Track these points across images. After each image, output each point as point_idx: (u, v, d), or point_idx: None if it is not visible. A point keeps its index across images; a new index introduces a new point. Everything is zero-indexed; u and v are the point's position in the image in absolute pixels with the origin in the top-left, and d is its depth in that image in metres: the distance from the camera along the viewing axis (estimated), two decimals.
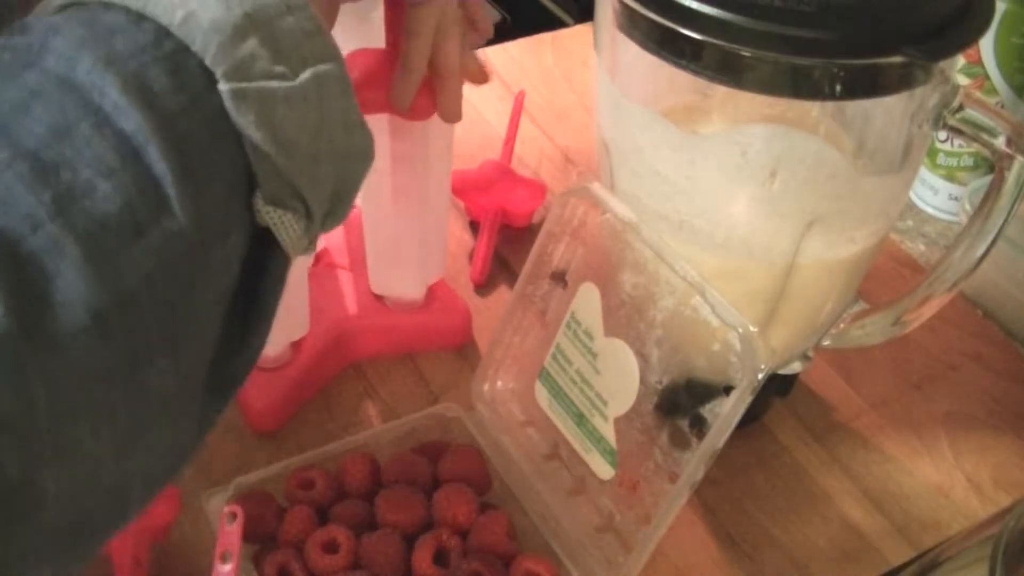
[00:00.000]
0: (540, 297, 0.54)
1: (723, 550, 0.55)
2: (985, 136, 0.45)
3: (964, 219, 0.72)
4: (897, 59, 0.42)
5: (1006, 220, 0.47)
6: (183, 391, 0.31)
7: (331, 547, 0.49)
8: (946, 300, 0.50)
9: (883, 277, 0.70)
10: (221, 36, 0.29)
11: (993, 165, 0.46)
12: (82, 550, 0.30)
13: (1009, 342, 0.68)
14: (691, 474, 0.46)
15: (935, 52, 0.42)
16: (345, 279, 0.65)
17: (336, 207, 0.35)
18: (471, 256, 0.70)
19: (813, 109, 0.47)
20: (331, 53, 0.32)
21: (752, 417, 0.61)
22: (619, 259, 0.50)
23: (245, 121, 0.30)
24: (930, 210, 0.79)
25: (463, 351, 0.64)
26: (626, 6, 0.45)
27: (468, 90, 0.55)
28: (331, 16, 0.46)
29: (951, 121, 0.45)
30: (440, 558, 0.50)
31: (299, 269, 0.57)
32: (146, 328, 0.28)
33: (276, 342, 0.59)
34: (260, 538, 0.51)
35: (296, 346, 0.60)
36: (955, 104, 0.45)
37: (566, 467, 0.53)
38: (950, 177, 0.77)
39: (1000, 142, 0.45)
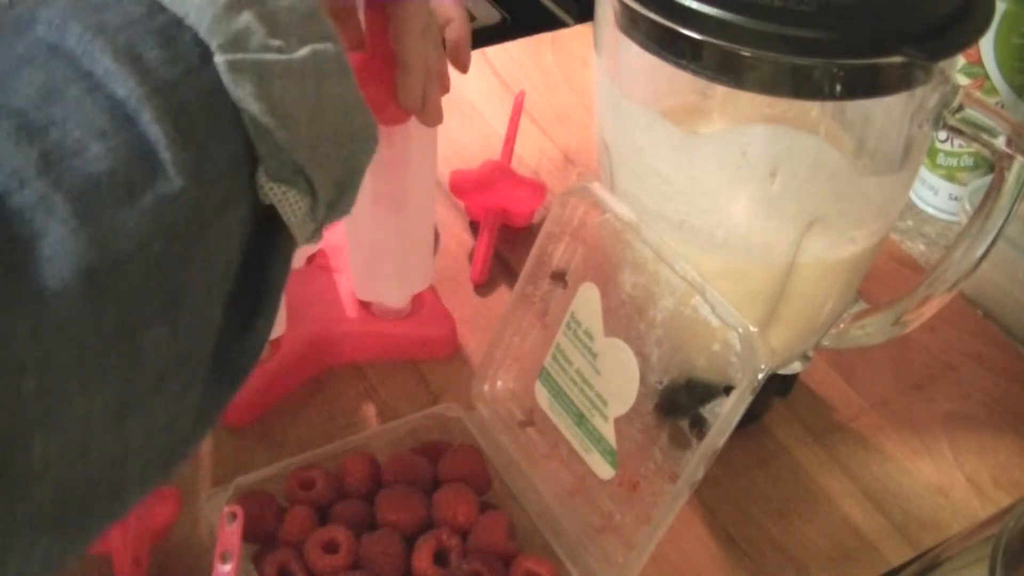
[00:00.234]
0: (540, 297, 0.54)
1: (723, 550, 0.55)
2: (985, 136, 0.45)
3: (964, 219, 0.72)
4: (897, 59, 0.42)
5: (1006, 220, 0.47)
6: (182, 366, 0.30)
7: (331, 547, 0.49)
8: (946, 300, 0.50)
9: (883, 277, 0.70)
10: (215, 9, 0.29)
11: (993, 165, 0.46)
12: (77, 531, 0.29)
13: (1009, 342, 0.68)
14: (691, 474, 0.46)
15: (935, 52, 0.42)
16: (337, 282, 0.65)
17: (342, 193, 0.34)
18: (471, 256, 0.70)
19: (813, 109, 0.47)
20: (329, 34, 0.32)
21: (752, 417, 0.61)
22: (619, 259, 0.50)
23: (242, 93, 0.29)
24: (930, 210, 0.79)
25: (462, 352, 0.64)
26: (626, 6, 0.45)
27: (468, 90, 0.55)
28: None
29: (951, 121, 0.46)
30: (440, 558, 0.50)
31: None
32: (140, 292, 0.27)
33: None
34: (260, 538, 0.51)
35: (274, 345, 0.60)
36: (955, 104, 0.45)
37: (566, 467, 0.53)
38: (950, 177, 0.77)
39: (1000, 142, 0.45)
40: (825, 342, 0.56)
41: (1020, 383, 0.65)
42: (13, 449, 0.25)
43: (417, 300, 0.64)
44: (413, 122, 0.54)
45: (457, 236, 0.72)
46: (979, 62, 0.72)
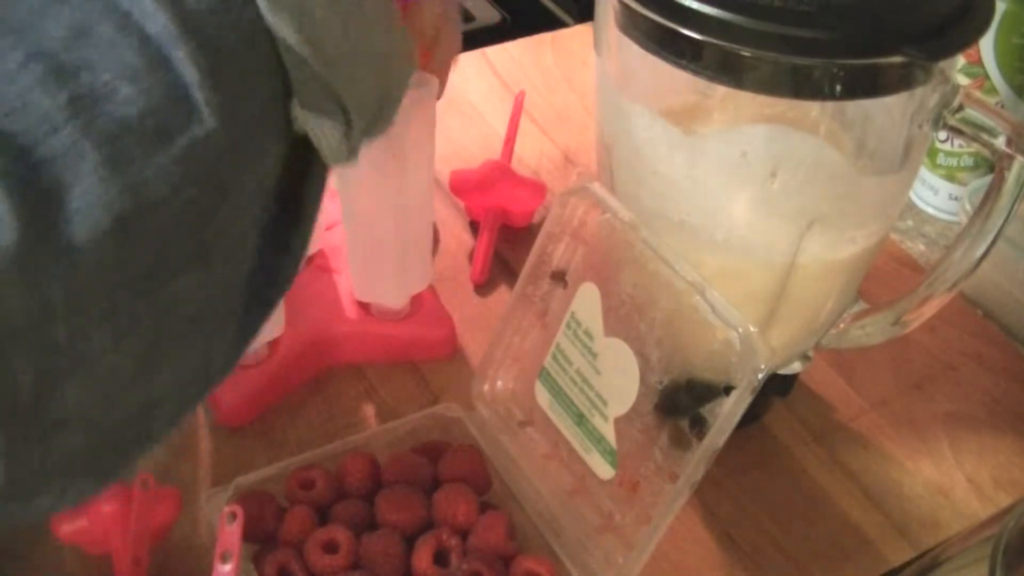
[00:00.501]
0: (540, 297, 0.54)
1: (723, 550, 0.55)
2: (985, 136, 0.45)
3: (964, 219, 0.72)
4: (897, 59, 0.42)
5: (1006, 220, 0.47)
6: (218, 307, 0.29)
7: (331, 547, 0.49)
8: (946, 300, 0.50)
9: (883, 277, 0.70)
10: None
11: (993, 165, 0.46)
12: (108, 471, 0.29)
13: (1009, 342, 0.68)
14: (691, 474, 0.46)
15: (935, 52, 0.42)
16: (337, 283, 0.65)
17: (379, 115, 0.33)
18: (471, 256, 0.70)
19: (813, 109, 0.47)
20: None
21: (752, 417, 0.61)
22: (619, 259, 0.50)
23: (279, 21, 0.28)
24: (930, 210, 0.79)
25: (462, 352, 0.64)
26: (626, 6, 0.45)
27: (468, 90, 0.55)
28: None
29: (951, 121, 0.45)
30: (440, 558, 0.50)
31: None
32: (174, 238, 0.27)
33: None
34: (260, 538, 0.51)
35: (272, 345, 0.60)
36: (955, 104, 0.45)
37: (566, 467, 0.53)
38: (950, 177, 0.77)
39: (1000, 142, 0.45)
40: (825, 342, 0.56)
41: (1020, 383, 0.65)
42: (46, 396, 0.25)
43: (416, 301, 0.63)
44: (412, 121, 0.54)
45: (457, 236, 0.72)
46: (979, 62, 0.72)
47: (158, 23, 0.26)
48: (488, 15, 1.05)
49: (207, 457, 0.57)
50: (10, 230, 0.24)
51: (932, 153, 0.77)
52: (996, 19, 0.67)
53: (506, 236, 0.72)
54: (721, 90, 0.46)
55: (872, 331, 0.55)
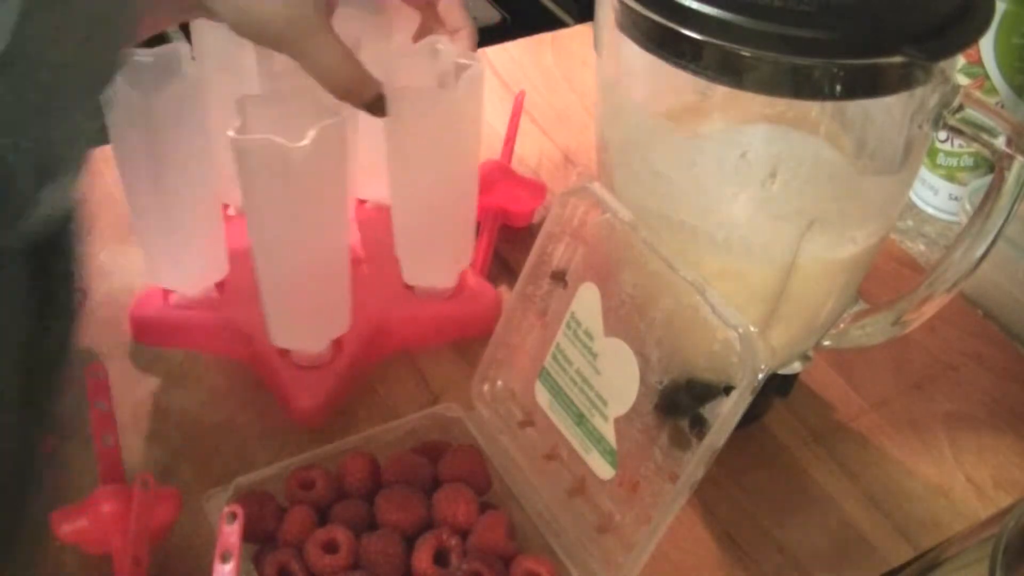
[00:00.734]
0: (540, 297, 0.54)
1: (723, 550, 0.55)
2: (985, 136, 0.45)
3: (964, 219, 0.72)
4: (897, 59, 0.42)
5: (1006, 220, 0.47)
6: None
7: (331, 547, 0.49)
8: (946, 300, 0.50)
9: (883, 277, 0.70)
10: None
11: (993, 165, 0.46)
12: None
13: (1009, 342, 0.68)
14: (691, 474, 0.46)
15: (935, 52, 0.42)
16: (369, 273, 0.65)
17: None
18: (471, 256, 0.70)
19: (813, 109, 0.47)
20: None
21: (752, 417, 0.61)
22: (619, 259, 0.50)
23: None
24: (930, 210, 0.79)
25: (463, 352, 0.64)
26: (626, 6, 0.45)
27: None
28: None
29: (951, 121, 0.45)
30: (440, 558, 0.50)
31: (339, 264, 0.58)
32: None
33: (320, 339, 0.59)
34: (260, 538, 0.51)
35: (337, 343, 0.60)
36: (955, 104, 0.45)
37: (566, 467, 0.53)
38: (950, 177, 0.77)
39: (1000, 142, 0.45)
40: (825, 342, 0.56)
41: (1020, 383, 0.65)
42: None
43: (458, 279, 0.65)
44: (464, 97, 0.55)
45: None
46: (979, 62, 0.72)
47: None
48: (488, 15, 1.05)
49: (207, 457, 0.57)
50: None
51: (932, 153, 0.77)
52: (996, 19, 0.67)
53: (506, 236, 0.72)
54: (721, 90, 0.46)
55: (872, 331, 0.55)
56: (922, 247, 0.76)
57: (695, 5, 0.41)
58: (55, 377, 0.33)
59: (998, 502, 0.58)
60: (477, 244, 0.70)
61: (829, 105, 0.47)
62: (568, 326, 0.52)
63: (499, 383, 0.57)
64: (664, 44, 0.44)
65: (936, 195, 0.78)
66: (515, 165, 0.77)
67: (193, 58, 0.55)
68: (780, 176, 0.46)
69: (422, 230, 0.61)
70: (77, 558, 0.51)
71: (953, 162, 0.77)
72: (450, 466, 0.54)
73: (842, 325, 0.56)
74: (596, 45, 0.51)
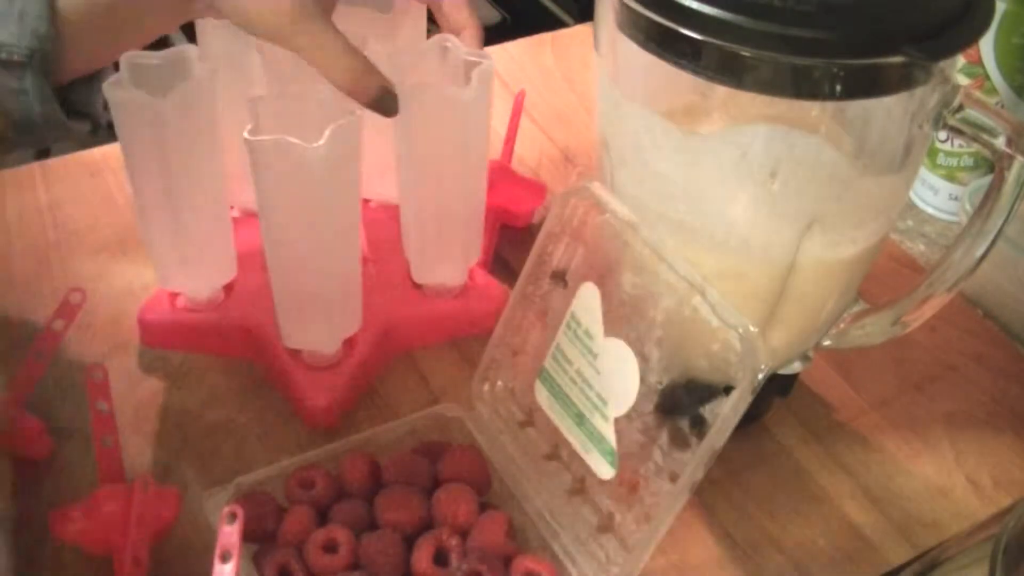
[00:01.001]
0: (540, 297, 0.54)
1: (723, 550, 0.55)
2: (985, 136, 0.45)
3: (964, 219, 0.72)
4: (897, 59, 0.42)
5: (1006, 220, 0.47)
6: None
7: (331, 547, 0.49)
8: (946, 300, 0.50)
9: (883, 277, 0.70)
10: None
11: (993, 165, 0.46)
12: None
13: (1009, 342, 0.68)
14: (691, 474, 0.46)
15: (935, 52, 0.42)
16: (377, 273, 0.65)
17: None
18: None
19: (813, 109, 0.47)
20: None
21: (752, 417, 0.61)
22: (619, 259, 0.50)
23: None
24: (930, 210, 0.79)
25: (464, 352, 0.64)
26: (626, 6, 0.45)
27: None
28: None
29: (951, 121, 0.45)
30: (440, 558, 0.50)
31: (352, 263, 0.58)
32: None
33: (332, 339, 0.59)
34: (260, 538, 0.51)
35: (348, 343, 0.61)
36: (955, 104, 0.45)
37: (566, 467, 0.53)
38: (950, 177, 0.77)
39: (1000, 142, 0.45)
40: (825, 342, 0.56)
41: (1020, 383, 0.65)
42: None
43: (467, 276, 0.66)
44: (477, 90, 0.55)
45: None
46: (979, 62, 0.72)
47: None
48: (488, 15, 1.05)
49: (207, 457, 0.57)
50: None
51: (932, 153, 0.77)
52: (996, 19, 0.67)
53: (506, 236, 0.72)
54: (721, 90, 0.46)
55: (872, 331, 0.55)
56: (922, 247, 0.76)
57: (695, 5, 0.41)
58: None
59: (998, 502, 0.58)
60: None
61: (829, 105, 0.47)
62: (568, 326, 0.52)
63: (499, 383, 0.57)
64: (664, 44, 0.44)
65: (936, 195, 0.78)
66: (515, 165, 0.77)
67: (199, 60, 0.55)
68: (780, 176, 0.46)
69: (432, 227, 0.61)
70: (77, 558, 0.51)
71: (953, 162, 0.77)
72: (450, 466, 0.54)
73: (842, 325, 0.56)
74: (596, 45, 0.51)
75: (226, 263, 0.62)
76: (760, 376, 0.43)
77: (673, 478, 0.47)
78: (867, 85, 0.44)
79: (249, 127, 0.50)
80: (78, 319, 0.61)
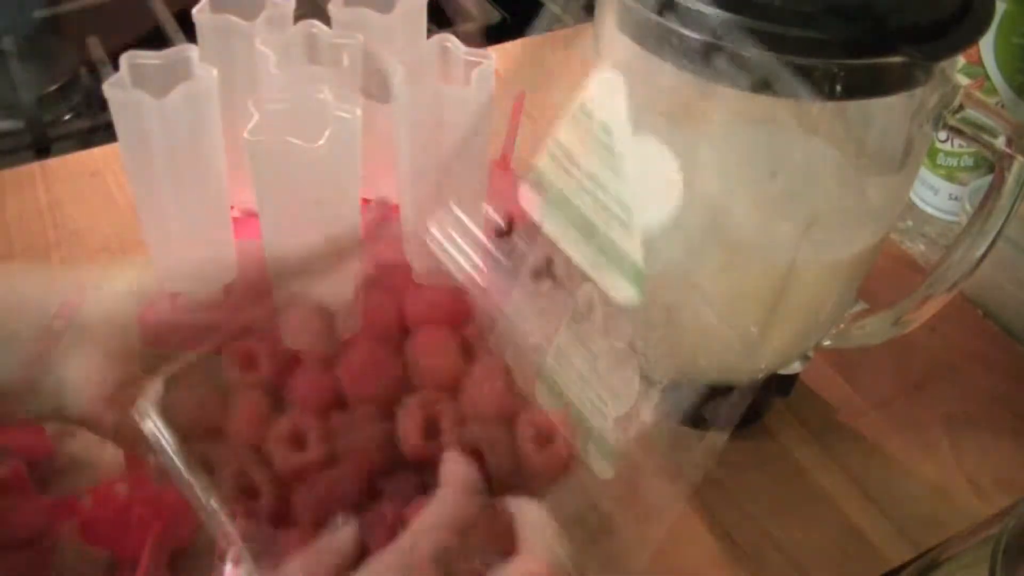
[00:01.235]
0: None
1: (723, 550, 0.55)
2: (985, 136, 0.45)
3: (964, 219, 0.72)
4: (897, 59, 0.42)
5: (1006, 220, 0.47)
6: None
7: (297, 441, 0.40)
8: (946, 300, 0.50)
9: (883, 277, 0.69)
10: None
11: (993, 165, 0.46)
12: None
13: (1009, 342, 0.68)
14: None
15: (935, 52, 0.42)
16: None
17: None
18: None
19: (813, 109, 0.47)
20: None
21: (752, 417, 0.61)
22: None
23: None
24: (930, 210, 0.79)
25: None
26: (626, 6, 0.45)
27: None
28: None
29: (951, 121, 0.45)
30: (429, 429, 0.41)
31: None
32: None
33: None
34: (203, 436, 0.41)
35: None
36: (955, 104, 0.45)
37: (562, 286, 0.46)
38: (950, 177, 0.77)
39: (1000, 142, 0.45)
40: (825, 342, 0.56)
41: (1020, 383, 0.65)
42: None
43: None
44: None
45: None
46: (979, 62, 0.72)
47: None
48: (488, 15, 1.05)
49: None
50: None
51: (932, 153, 0.77)
52: (996, 19, 0.67)
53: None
54: (721, 90, 0.46)
55: (872, 331, 0.55)
56: (922, 247, 0.75)
57: (695, 5, 0.41)
58: None
59: (998, 502, 0.58)
60: None
61: (829, 105, 0.47)
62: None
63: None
64: (664, 44, 0.44)
65: (936, 195, 0.78)
66: (515, 165, 0.77)
67: (199, 60, 0.55)
68: (780, 176, 0.46)
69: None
70: (78, 557, 0.51)
71: (953, 162, 0.77)
72: (419, 304, 0.44)
73: (842, 325, 0.56)
74: (596, 45, 0.51)
75: (226, 263, 0.62)
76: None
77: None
78: (867, 85, 0.44)
79: (249, 127, 0.50)
80: None
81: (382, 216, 0.49)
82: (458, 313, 0.45)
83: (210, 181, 0.58)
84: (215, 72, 0.54)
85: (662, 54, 0.44)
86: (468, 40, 0.62)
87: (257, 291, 0.55)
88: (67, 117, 1.02)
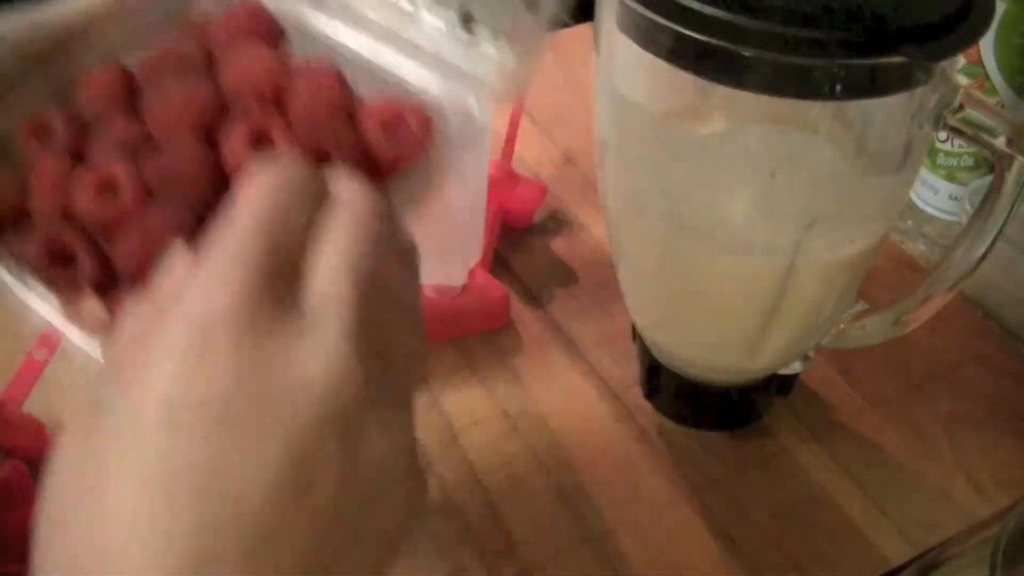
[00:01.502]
0: None
1: (723, 550, 0.55)
2: (985, 136, 0.45)
3: (964, 219, 0.72)
4: (897, 59, 0.42)
5: (1006, 220, 0.47)
6: None
7: (107, 188, 0.34)
8: (946, 300, 0.50)
9: (883, 277, 0.70)
10: None
11: (993, 165, 0.46)
12: None
13: (1009, 342, 0.68)
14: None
15: (935, 52, 0.42)
16: None
17: None
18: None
19: (813, 109, 0.47)
20: None
21: (752, 417, 0.61)
22: None
23: None
24: (930, 210, 0.79)
25: (464, 351, 0.64)
26: (626, 6, 0.45)
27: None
28: None
29: (951, 121, 0.45)
30: (261, 141, 0.34)
31: None
32: None
33: None
34: (6, 221, 0.35)
35: None
36: (955, 104, 0.45)
37: None
38: (950, 177, 0.77)
39: (1000, 142, 0.45)
40: (825, 342, 0.56)
41: (1020, 383, 0.65)
42: None
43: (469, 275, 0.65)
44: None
45: None
46: (979, 62, 0.72)
47: None
48: None
49: None
50: None
51: (932, 153, 0.77)
52: (996, 19, 0.67)
53: (506, 236, 0.72)
54: (721, 90, 0.46)
55: (872, 331, 0.55)
56: (922, 247, 0.75)
57: (695, 5, 0.41)
58: None
59: (998, 502, 0.58)
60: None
61: (829, 105, 0.47)
62: None
63: None
64: (664, 44, 0.44)
65: (936, 195, 0.78)
66: (515, 165, 0.77)
67: None
68: (780, 176, 0.46)
69: (434, 228, 0.61)
70: None
71: (953, 162, 0.77)
72: (222, 25, 0.37)
73: (842, 325, 0.56)
74: (596, 45, 0.51)
75: None
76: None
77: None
78: (867, 85, 0.44)
79: None
80: None
81: None
82: (268, 26, 0.38)
83: None
84: None
85: (662, 54, 0.44)
86: None
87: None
88: None
